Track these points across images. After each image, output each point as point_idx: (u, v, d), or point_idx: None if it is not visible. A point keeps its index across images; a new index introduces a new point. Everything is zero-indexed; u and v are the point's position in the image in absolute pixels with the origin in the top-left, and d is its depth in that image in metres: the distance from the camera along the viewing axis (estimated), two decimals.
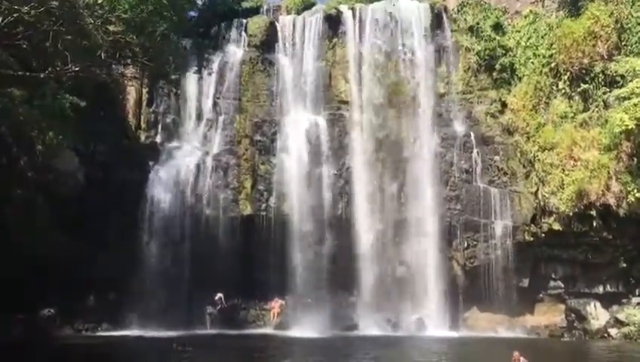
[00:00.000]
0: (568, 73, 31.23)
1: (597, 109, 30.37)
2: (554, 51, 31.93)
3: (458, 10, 35.18)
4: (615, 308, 29.59)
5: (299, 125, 33.07)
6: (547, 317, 31.11)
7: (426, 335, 29.30)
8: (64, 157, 26.90)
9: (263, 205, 31.89)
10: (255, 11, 37.28)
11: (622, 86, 29.34)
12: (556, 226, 30.06)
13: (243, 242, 31.00)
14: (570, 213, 29.35)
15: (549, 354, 23.89)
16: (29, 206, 24.86)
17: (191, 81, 32.62)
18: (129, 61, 21.37)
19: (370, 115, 33.16)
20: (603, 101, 30.24)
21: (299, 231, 31.13)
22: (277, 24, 35.43)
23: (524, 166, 31.75)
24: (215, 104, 33.73)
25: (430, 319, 30.52)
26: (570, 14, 32.71)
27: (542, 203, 30.45)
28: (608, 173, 28.60)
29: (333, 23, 34.85)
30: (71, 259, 26.44)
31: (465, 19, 34.79)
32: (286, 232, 31.09)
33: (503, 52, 33.67)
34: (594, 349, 25.51)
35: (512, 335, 29.90)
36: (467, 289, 31.51)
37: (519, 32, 34.25)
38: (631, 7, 31.02)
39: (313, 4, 37.67)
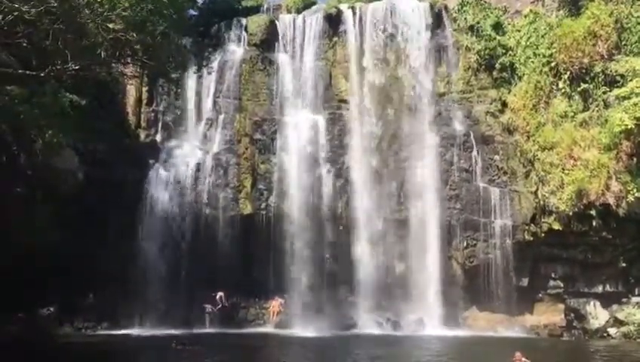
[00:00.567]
0: (568, 72, 31.20)
1: (597, 109, 30.34)
2: (554, 51, 31.89)
3: (458, 10, 35.14)
4: (614, 307, 29.56)
5: (299, 124, 33.07)
6: (547, 316, 31.09)
7: (426, 334, 29.31)
8: (64, 156, 26.87)
9: (263, 204, 31.91)
10: (255, 10, 37.27)
11: (622, 85, 29.29)
12: (556, 226, 30.04)
13: (243, 241, 31.02)
14: (570, 213, 29.34)
15: (548, 354, 23.90)
16: (29, 204, 24.84)
17: (191, 79, 32.63)
18: (129, 60, 21.36)
19: (370, 114, 33.16)
20: (603, 101, 30.22)
21: (299, 230, 31.15)
22: (277, 23, 35.41)
23: (524, 165, 31.75)
24: (215, 103, 33.73)
25: (429, 318, 30.53)
26: (570, 14, 32.68)
27: (542, 202, 30.45)
28: (608, 172, 28.57)
29: (333, 22, 34.84)
30: (71, 257, 26.46)
31: (465, 19, 34.77)
32: (286, 231, 31.14)
33: (503, 51, 33.65)
34: (593, 349, 25.50)
35: (512, 334, 29.87)
36: (467, 289, 31.52)
37: (519, 31, 34.22)
38: (631, 7, 30.97)
39: (313, 3, 37.66)
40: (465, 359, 23.15)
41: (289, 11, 37.18)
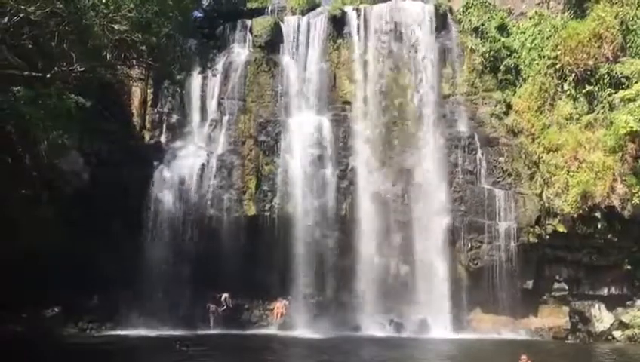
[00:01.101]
0: (573, 75, 31.12)
1: (602, 111, 30.25)
2: (559, 53, 31.80)
3: (463, 11, 35.09)
4: (619, 310, 29.48)
5: (303, 126, 33.05)
6: (551, 319, 30.99)
7: (430, 336, 29.25)
8: (69, 157, 26.98)
9: (267, 205, 31.89)
10: (260, 12, 37.27)
11: (627, 88, 29.26)
12: (561, 228, 29.95)
13: (247, 242, 31.00)
14: (575, 215, 29.25)
15: (553, 356, 23.86)
16: (34, 205, 24.95)
17: (195, 81, 32.72)
18: (134, 62, 21.45)
19: (375, 116, 33.15)
20: (608, 103, 30.14)
21: (303, 232, 31.13)
22: (282, 25, 35.39)
23: (528, 167, 31.68)
24: (219, 104, 33.74)
25: (434, 320, 30.42)
26: (575, 16, 32.62)
27: (546, 204, 30.36)
28: (613, 174, 28.51)
29: (337, 23, 34.81)
30: (75, 258, 26.54)
31: (470, 21, 34.71)
32: (290, 233, 31.10)
33: (508, 53, 33.60)
34: (598, 351, 25.45)
35: (516, 337, 29.81)
36: (471, 291, 31.42)
37: (524, 33, 34.18)
38: (636, 9, 30.91)
39: (318, 5, 37.60)
40: None
41: (294, 13, 37.18)
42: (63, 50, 17.72)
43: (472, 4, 34.97)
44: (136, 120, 33.91)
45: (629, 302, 29.42)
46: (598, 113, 30.39)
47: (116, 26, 18.43)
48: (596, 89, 30.64)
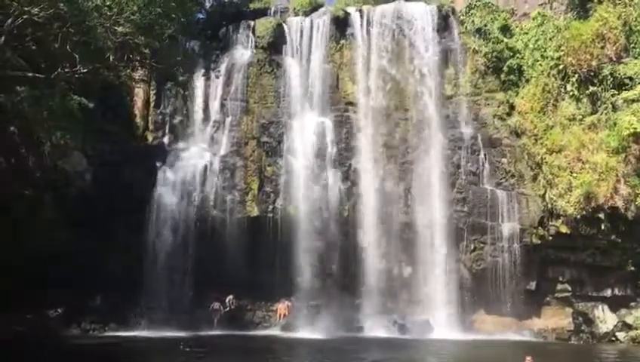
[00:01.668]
0: (576, 75, 31.06)
1: (605, 112, 30.18)
2: (562, 53, 31.76)
3: (466, 12, 35.08)
4: (623, 311, 29.42)
5: (306, 127, 33.08)
6: (554, 320, 30.95)
7: (433, 337, 29.20)
8: (72, 158, 27.10)
9: (270, 206, 31.91)
10: (263, 13, 37.29)
11: (630, 88, 29.19)
12: (564, 229, 29.89)
13: (249, 243, 30.99)
14: (578, 216, 29.18)
15: (556, 358, 23.81)
16: (37, 206, 25.01)
17: (198, 82, 32.76)
18: (137, 63, 21.48)
19: (377, 117, 33.15)
20: (611, 103, 30.07)
21: (305, 233, 31.13)
22: (284, 26, 35.42)
23: (531, 168, 31.63)
24: (222, 106, 33.80)
25: (437, 321, 30.40)
26: (578, 16, 32.56)
27: (549, 205, 30.31)
28: (616, 175, 28.45)
29: (340, 24, 34.84)
30: (78, 259, 26.57)
31: (472, 21, 34.70)
32: (292, 234, 31.10)
33: (511, 54, 33.56)
34: (601, 353, 25.38)
35: (519, 338, 29.76)
36: (474, 292, 31.41)
37: (527, 33, 34.14)
38: None
39: (321, 6, 37.64)
40: None
41: (296, 14, 37.21)
42: (67, 51, 17.77)
43: (475, 4, 34.98)
44: (139, 121, 34.00)
45: (632, 304, 29.33)
46: (601, 114, 30.32)
47: (119, 28, 18.48)
48: (599, 90, 30.57)
